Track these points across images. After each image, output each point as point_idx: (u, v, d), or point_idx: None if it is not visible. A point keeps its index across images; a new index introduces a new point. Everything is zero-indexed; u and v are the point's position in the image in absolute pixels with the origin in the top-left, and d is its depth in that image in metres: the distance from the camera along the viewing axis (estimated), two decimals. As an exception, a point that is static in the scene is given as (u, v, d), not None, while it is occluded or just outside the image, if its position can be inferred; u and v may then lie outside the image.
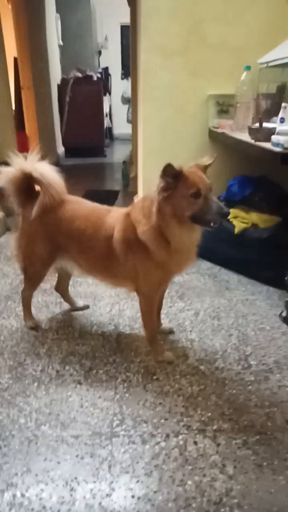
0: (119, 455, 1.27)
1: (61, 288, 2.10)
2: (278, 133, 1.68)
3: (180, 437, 1.33)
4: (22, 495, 1.15)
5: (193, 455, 1.26)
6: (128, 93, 7.49)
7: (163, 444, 1.30)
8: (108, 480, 1.19)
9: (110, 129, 8.26)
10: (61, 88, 6.44)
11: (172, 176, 1.34)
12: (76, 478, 1.20)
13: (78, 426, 1.38)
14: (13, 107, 5.02)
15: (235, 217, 2.44)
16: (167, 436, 1.33)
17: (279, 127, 1.75)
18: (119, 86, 8.69)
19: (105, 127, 7.06)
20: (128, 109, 8.22)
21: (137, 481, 1.18)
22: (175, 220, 1.40)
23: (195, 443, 1.31)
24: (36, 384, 1.58)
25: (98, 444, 1.31)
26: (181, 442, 1.31)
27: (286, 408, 1.45)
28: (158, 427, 1.37)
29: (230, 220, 2.45)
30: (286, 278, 1.92)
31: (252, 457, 1.25)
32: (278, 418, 1.40)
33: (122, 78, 8.77)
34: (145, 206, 1.47)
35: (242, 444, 1.30)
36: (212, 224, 1.37)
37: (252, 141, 1.89)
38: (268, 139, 1.76)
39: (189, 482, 1.17)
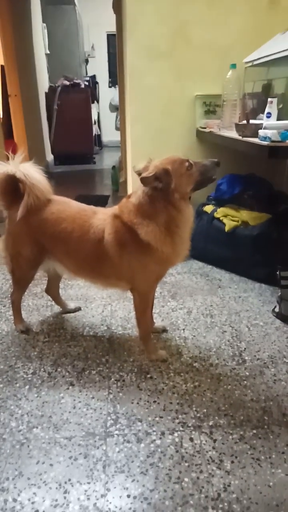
0: (113, 455, 1.23)
1: (52, 290, 2.07)
2: (265, 127, 1.69)
3: (176, 434, 1.30)
4: (14, 500, 1.11)
5: (190, 452, 1.24)
6: (116, 101, 7.52)
7: (158, 442, 1.27)
8: (103, 481, 1.15)
9: (99, 136, 8.27)
10: (49, 96, 6.44)
11: (166, 177, 1.38)
12: (69, 480, 1.16)
13: (71, 427, 1.34)
14: (1, 115, 5.02)
15: (225, 216, 2.44)
16: (163, 434, 1.30)
17: (266, 121, 1.76)
18: (107, 94, 8.73)
19: (93, 134, 7.07)
20: (116, 117, 8.26)
21: (133, 480, 1.15)
22: (183, 201, 1.46)
23: (191, 439, 1.28)
24: (27, 387, 1.54)
25: (92, 445, 1.27)
26: (176, 440, 1.28)
27: (282, 401, 1.43)
28: (153, 425, 1.34)
29: (221, 218, 2.45)
30: (277, 274, 1.91)
31: (249, 451, 1.23)
32: (275, 412, 1.38)
33: (109, 86, 8.81)
34: (145, 209, 1.45)
35: (239, 439, 1.28)
36: (213, 177, 1.49)
37: (240, 137, 1.89)
38: (255, 135, 1.77)
39: (186, 479, 1.15)
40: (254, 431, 1.31)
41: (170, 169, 1.38)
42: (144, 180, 1.38)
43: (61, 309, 2.09)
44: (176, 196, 1.42)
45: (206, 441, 1.27)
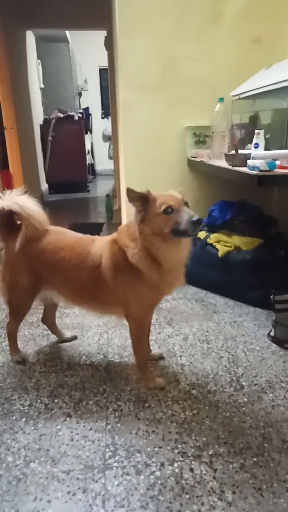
0: (113, 488, 1.21)
1: (48, 320, 2.07)
2: (254, 158, 1.76)
3: (176, 464, 1.28)
4: (11, 540, 1.08)
5: (190, 482, 1.22)
6: (109, 131, 7.75)
7: (158, 473, 1.25)
8: (102, 516, 1.13)
9: (92, 166, 8.46)
10: (43, 127, 6.63)
11: (139, 199, 1.39)
12: (68, 516, 1.13)
13: (69, 460, 1.32)
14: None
15: (218, 241, 2.49)
16: (162, 464, 1.28)
17: (254, 152, 1.83)
18: (100, 124, 9.01)
19: (87, 163, 7.23)
20: (109, 146, 8.48)
21: (133, 515, 1.12)
22: (159, 238, 1.43)
23: (191, 470, 1.26)
24: (24, 419, 1.51)
25: (91, 478, 1.25)
26: (176, 470, 1.26)
27: (281, 427, 1.42)
28: (152, 456, 1.32)
29: (214, 244, 2.50)
30: (271, 298, 1.93)
31: (250, 480, 1.21)
32: (274, 438, 1.37)
33: (102, 117, 9.10)
34: (131, 231, 1.50)
35: (240, 468, 1.26)
36: (189, 233, 1.37)
37: (230, 167, 1.96)
38: (244, 164, 1.83)
39: (187, 512, 1.12)
40: (255, 459, 1.29)
41: (150, 201, 1.40)
42: (129, 193, 1.38)
43: (57, 338, 2.08)
44: (146, 230, 1.42)
45: (206, 471, 1.26)
